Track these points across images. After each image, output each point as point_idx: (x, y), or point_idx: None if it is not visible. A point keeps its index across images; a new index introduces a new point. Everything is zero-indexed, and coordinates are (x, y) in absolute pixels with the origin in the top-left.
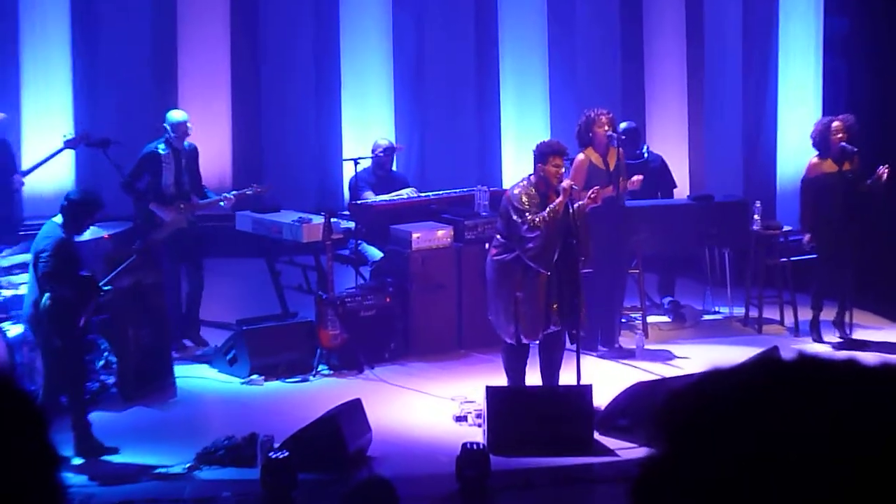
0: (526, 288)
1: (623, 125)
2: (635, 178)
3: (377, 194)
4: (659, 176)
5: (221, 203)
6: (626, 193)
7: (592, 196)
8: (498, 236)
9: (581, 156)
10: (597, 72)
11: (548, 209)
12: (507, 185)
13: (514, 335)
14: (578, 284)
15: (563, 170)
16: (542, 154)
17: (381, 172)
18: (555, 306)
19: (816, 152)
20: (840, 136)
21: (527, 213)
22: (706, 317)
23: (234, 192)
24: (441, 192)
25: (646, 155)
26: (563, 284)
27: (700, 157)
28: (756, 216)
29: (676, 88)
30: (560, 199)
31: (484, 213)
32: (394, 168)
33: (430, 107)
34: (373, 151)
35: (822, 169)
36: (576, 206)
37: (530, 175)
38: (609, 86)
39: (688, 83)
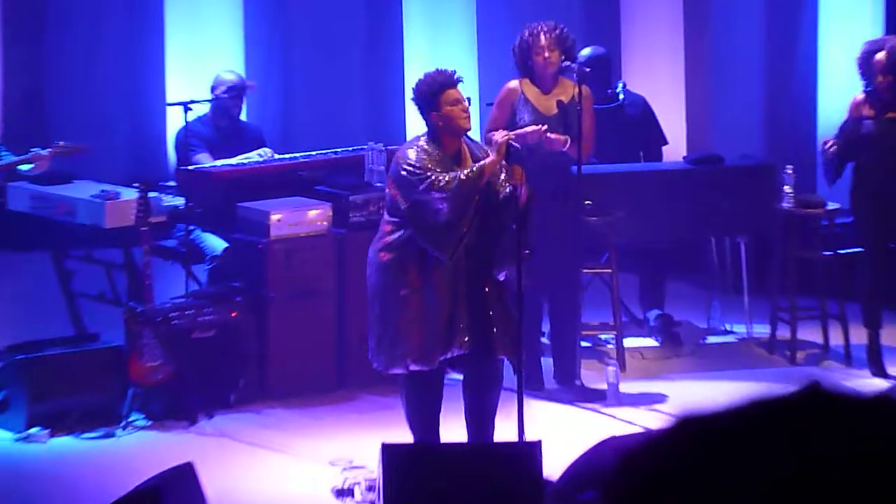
0: (418, 285)
1: (586, 51)
2: (557, 136)
3: (217, 156)
4: (640, 128)
5: (23, 168)
6: (588, 154)
7: (540, 132)
8: (385, 219)
9: (512, 84)
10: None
11: (469, 167)
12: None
13: (400, 358)
14: (516, 290)
15: (467, 104)
16: (425, 95)
17: (224, 123)
18: (461, 325)
19: (863, 84)
20: (883, 78)
21: (428, 173)
22: (712, 339)
23: (48, 150)
24: (314, 154)
25: (621, 96)
26: (482, 287)
27: (702, 100)
28: (787, 188)
29: (667, 13)
30: (491, 157)
31: (378, 184)
32: (243, 117)
33: (296, 28)
34: (212, 91)
35: (866, 111)
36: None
37: (427, 131)
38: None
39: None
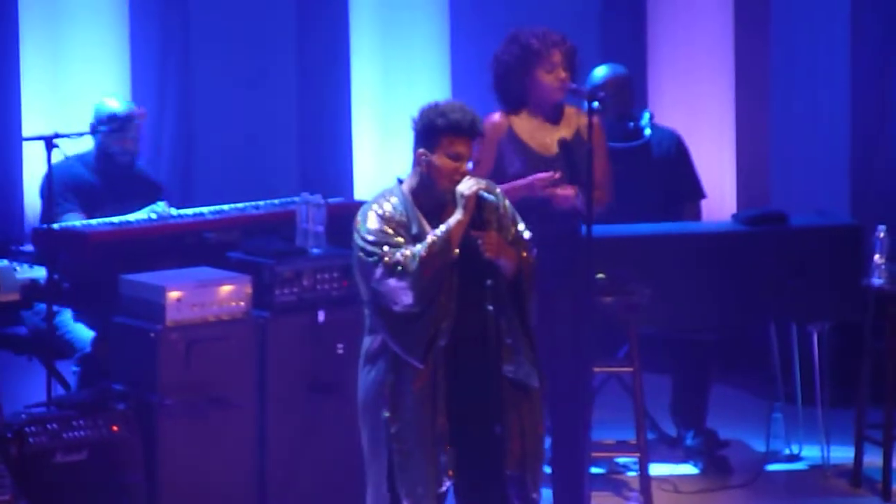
0: (399, 405)
1: (601, 71)
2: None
3: (96, 214)
4: (671, 174)
5: None
6: (603, 206)
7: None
8: (365, 314)
9: (497, 118)
10: None
11: (429, 237)
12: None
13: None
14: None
15: (468, 165)
16: (428, 131)
17: (109, 168)
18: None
19: None
20: None
21: (385, 248)
22: (773, 466)
23: None
24: (225, 209)
25: (647, 131)
26: (470, 391)
27: (758, 140)
28: (878, 258)
29: (710, 16)
30: (457, 216)
31: (316, 250)
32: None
33: (201, 40)
34: (92, 126)
35: None
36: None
37: (401, 179)
38: (572, 12)
39: (734, 8)
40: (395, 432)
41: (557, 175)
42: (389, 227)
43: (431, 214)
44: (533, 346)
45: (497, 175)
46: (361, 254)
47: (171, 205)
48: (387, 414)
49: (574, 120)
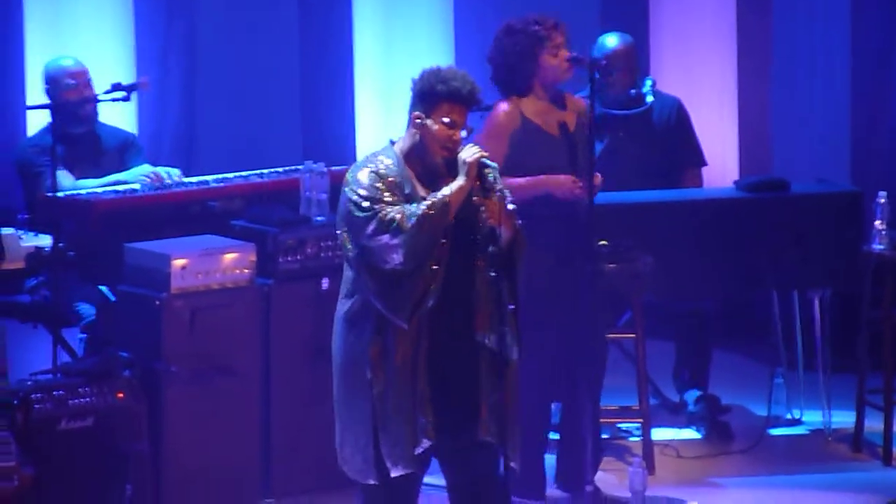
0: (383, 364)
1: (611, 41)
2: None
3: (77, 174)
4: (673, 140)
5: None
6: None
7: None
8: (345, 272)
9: (505, 105)
10: None
11: (429, 199)
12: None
13: (374, 461)
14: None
15: (462, 134)
16: (424, 94)
17: (76, 130)
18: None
19: None
20: None
21: (379, 205)
22: (775, 431)
23: None
24: (229, 177)
25: (649, 98)
26: (457, 357)
27: (760, 106)
28: (878, 224)
29: None
30: (459, 182)
31: (319, 218)
32: (104, 121)
33: (204, 7)
34: (49, 90)
35: None
36: (498, 202)
37: (393, 141)
38: None
39: None
40: (377, 393)
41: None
42: (383, 185)
43: (423, 178)
44: (517, 318)
45: (514, 166)
46: (354, 208)
47: (152, 161)
48: (370, 375)
49: (573, 105)
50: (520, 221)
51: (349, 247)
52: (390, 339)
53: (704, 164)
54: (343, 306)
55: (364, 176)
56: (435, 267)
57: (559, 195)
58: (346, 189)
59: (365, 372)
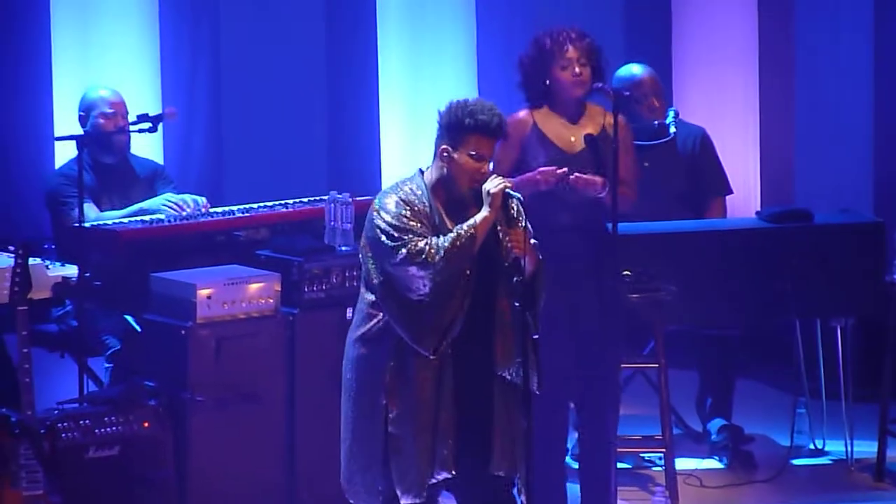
0: (398, 389)
1: (630, 70)
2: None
3: (106, 204)
4: (698, 169)
5: None
6: (630, 203)
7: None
8: (361, 295)
9: (522, 115)
10: None
11: (455, 231)
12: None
13: (380, 488)
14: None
15: (488, 166)
16: (452, 128)
17: (106, 160)
18: (449, 441)
19: None
20: None
21: (408, 236)
22: (798, 461)
23: None
24: (254, 207)
25: (672, 129)
26: (477, 388)
27: (782, 136)
28: None
29: (735, 13)
30: (484, 213)
31: (344, 248)
32: (135, 151)
33: (230, 38)
34: (82, 119)
35: None
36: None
37: (422, 170)
38: (596, 9)
39: (759, 5)
40: (391, 418)
41: (564, 170)
42: (411, 214)
43: (450, 209)
44: (537, 349)
45: (521, 171)
46: (382, 236)
47: (179, 192)
48: (384, 401)
49: (600, 118)
50: (534, 241)
51: (372, 271)
52: (409, 366)
53: (730, 192)
54: (358, 329)
55: (392, 203)
56: (460, 297)
57: (544, 187)
58: (374, 214)
59: (380, 397)
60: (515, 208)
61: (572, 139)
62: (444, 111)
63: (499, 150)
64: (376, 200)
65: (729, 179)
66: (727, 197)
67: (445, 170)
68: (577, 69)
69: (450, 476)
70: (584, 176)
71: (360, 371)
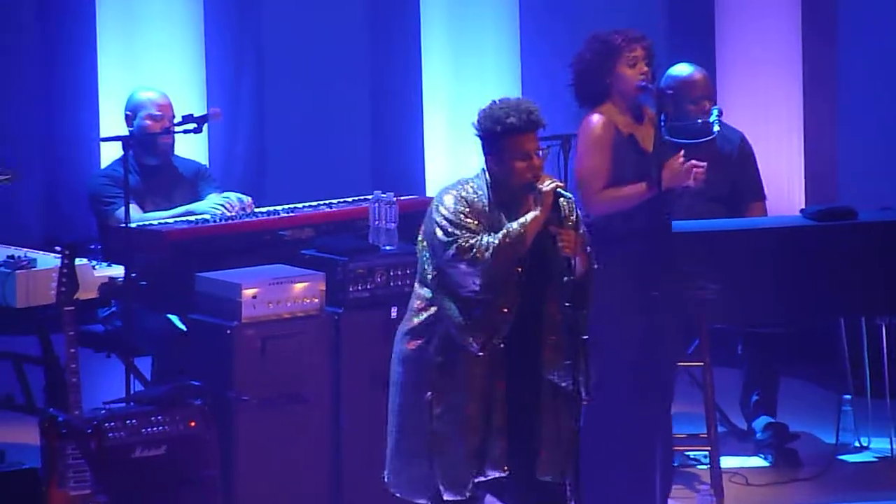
0: (446, 384)
1: (681, 70)
2: (689, 164)
3: (150, 205)
4: (736, 174)
5: None
6: (677, 197)
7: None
8: (414, 289)
9: (597, 118)
10: None
11: (505, 229)
12: (434, 190)
13: (425, 483)
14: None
15: (539, 158)
16: (487, 138)
17: (152, 160)
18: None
19: None
20: None
21: (461, 232)
22: (843, 458)
23: None
24: (299, 207)
25: (716, 128)
26: (527, 387)
27: (826, 136)
28: None
29: (778, 14)
30: (535, 212)
31: (388, 247)
32: (179, 152)
33: (274, 41)
34: (129, 119)
35: None
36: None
37: (485, 168)
38: (640, 11)
39: (802, 6)
40: (437, 414)
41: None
42: (468, 211)
43: (511, 208)
44: (588, 351)
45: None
46: (438, 231)
47: (223, 192)
48: (430, 395)
49: (650, 118)
50: (589, 248)
51: (427, 266)
52: (457, 363)
53: (763, 197)
54: (409, 323)
55: (450, 199)
56: (510, 296)
57: (676, 184)
58: (433, 209)
59: (426, 392)
60: (566, 208)
61: (643, 137)
62: (476, 123)
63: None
64: (437, 196)
65: (763, 185)
66: (766, 199)
67: (496, 174)
68: (643, 68)
69: (502, 474)
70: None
71: (408, 365)
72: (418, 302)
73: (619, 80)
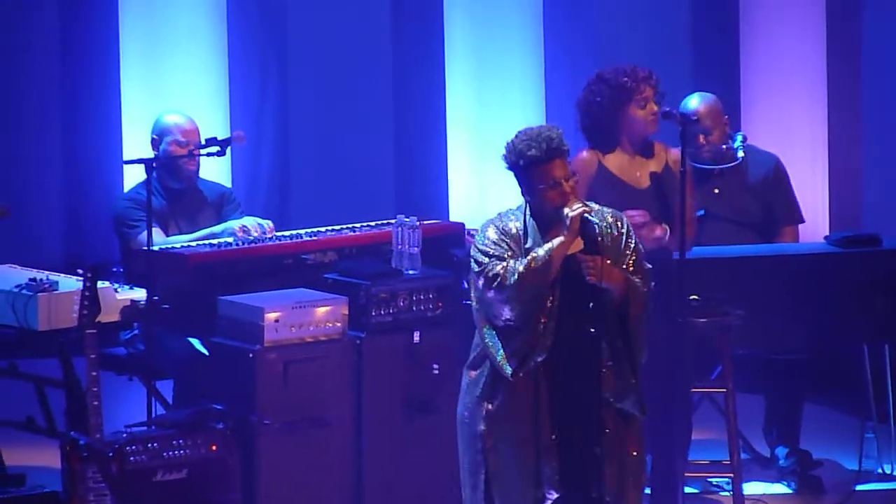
0: (495, 418)
1: (695, 100)
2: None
3: (173, 229)
4: (771, 197)
5: None
6: (692, 237)
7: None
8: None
9: (586, 155)
10: (639, 23)
11: (530, 255)
12: (458, 215)
13: None
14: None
15: (570, 181)
16: (517, 173)
17: (176, 183)
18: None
19: None
20: None
21: (492, 259)
22: (866, 486)
23: None
24: (322, 231)
25: (740, 153)
26: (566, 412)
27: (851, 162)
28: None
29: (803, 39)
30: (560, 237)
31: (411, 271)
32: (203, 174)
33: (298, 64)
34: (155, 143)
35: None
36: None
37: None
38: (664, 36)
39: (827, 27)
40: (491, 446)
41: (647, 217)
42: (502, 240)
43: (547, 232)
44: (637, 374)
45: None
46: (473, 262)
47: (247, 215)
48: (482, 427)
49: (662, 155)
50: (649, 266)
51: (472, 297)
52: (503, 391)
53: (802, 220)
54: (470, 357)
55: (487, 231)
56: (543, 322)
57: (646, 244)
58: (474, 241)
59: (478, 425)
60: (595, 233)
61: (638, 174)
62: (503, 157)
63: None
64: (483, 225)
65: (801, 208)
66: (799, 227)
67: (532, 202)
68: (654, 107)
69: (555, 496)
70: (643, 232)
71: (465, 397)
72: (476, 336)
73: (630, 121)
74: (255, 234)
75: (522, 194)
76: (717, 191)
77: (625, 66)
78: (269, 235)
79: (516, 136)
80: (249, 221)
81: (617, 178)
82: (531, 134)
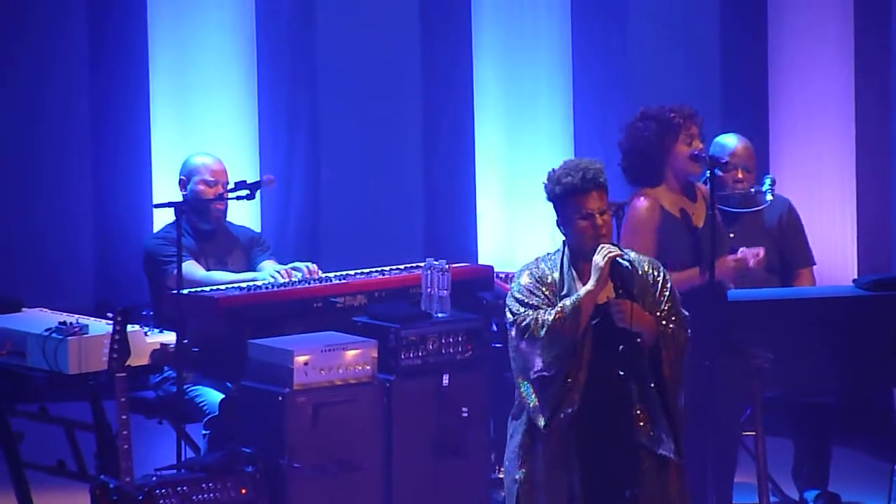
0: (530, 466)
1: (732, 139)
2: (754, 251)
3: (205, 267)
4: (784, 240)
5: None
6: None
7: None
8: None
9: (642, 201)
10: (668, 63)
11: (559, 305)
12: (487, 258)
13: None
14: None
15: (606, 217)
16: (554, 202)
17: (204, 224)
18: None
19: None
20: None
21: (525, 309)
22: None
23: None
24: (351, 274)
25: (769, 197)
26: (599, 458)
27: (880, 205)
28: None
29: (832, 81)
30: (588, 286)
31: (441, 314)
32: (232, 218)
33: (327, 106)
34: (183, 183)
35: None
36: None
37: (564, 241)
38: (693, 78)
39: (856, 68)
40: (526, 493)
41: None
42: (536, 287)
43: (584, 273)
44: (672, 418)
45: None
46: (507, 312)
47: (277, 259)
48: (518, 475)
49: (702, 195)
50: (686, 313)
51: (510, 349)
52: (539, 438)
53: (813, 263)
54: (515, 402)
55: (524, 277)
56: (574, 371)
57: (730, 276)
58: (510, 288)
59: (515, 473)
60: (626, 274)
61: (692, 214)
62: (544, 185)
63: (637, 245)
64: (519, 271)
65: (812, 251)
66: (816, 267)
67: (567, 236)
68: (699, 144)
69: None
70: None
71: (508, 446)
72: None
73: (676, 159)
74: (300, 276)
75: (558, 225)
76: (732, 235)
77: (669, 104)
78: (315, 277)
79: (554, 169)
80: (298, 266)
81: (676, 217)
82: (572, 164)
